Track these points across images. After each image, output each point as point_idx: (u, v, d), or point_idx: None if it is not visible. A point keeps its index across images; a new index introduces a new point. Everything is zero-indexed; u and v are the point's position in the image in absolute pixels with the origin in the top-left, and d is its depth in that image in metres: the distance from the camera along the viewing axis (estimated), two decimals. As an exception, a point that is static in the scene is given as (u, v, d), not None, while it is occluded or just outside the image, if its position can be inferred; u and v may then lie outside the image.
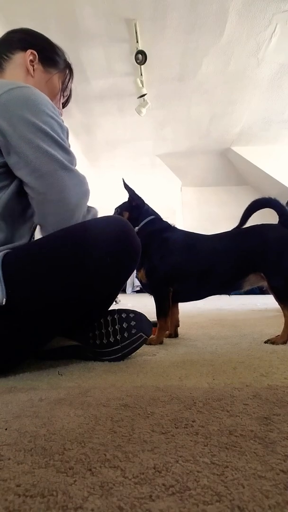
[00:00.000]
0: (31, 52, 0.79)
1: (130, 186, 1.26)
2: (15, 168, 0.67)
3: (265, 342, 0.97)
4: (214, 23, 2.64)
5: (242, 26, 2.67)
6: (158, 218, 1.25)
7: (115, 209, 1.29)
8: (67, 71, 0.87)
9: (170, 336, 1.14)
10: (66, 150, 0.69)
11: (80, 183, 0.70)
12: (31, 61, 0.79)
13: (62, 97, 0.89)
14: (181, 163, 5.52)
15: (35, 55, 0.80)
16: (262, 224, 1.10)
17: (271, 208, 1.09)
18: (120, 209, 1.28)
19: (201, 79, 3.38)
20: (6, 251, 0.66)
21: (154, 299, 1.10)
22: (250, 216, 1.12)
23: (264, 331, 1.21)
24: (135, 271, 1.06)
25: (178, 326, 1.17)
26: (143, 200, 1.27)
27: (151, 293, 1.14)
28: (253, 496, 0.26)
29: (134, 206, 1.26)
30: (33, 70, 0.80)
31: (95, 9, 2.48)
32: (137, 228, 1.19)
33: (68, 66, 0.88)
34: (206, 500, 0.26)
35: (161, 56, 3.02)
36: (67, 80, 0.88)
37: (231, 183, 5.99)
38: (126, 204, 1.29)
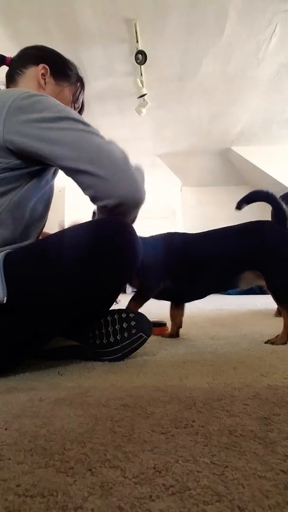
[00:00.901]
0: (43, 66, 0.82)
1: None
2: (66, 166, 0.67)
3: (265, 342, 0.97)
4: (214, 23, 2.64)
5: (242, 26, 2.67)
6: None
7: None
8: (78, 84, 0.90)
9: (171, 336, 1.14)
10: (86, 123, 0.70)
11: (113, 143, 0.72)
12: (43, 74, 0.83)
13: (73, 108, 0.91)
14: (181, 163, 5.52)
15: (47, 69, 0.83)
16: (258, 221, 1.09)
17: (268, 202, 1.07)
18: None
19: (201, 79, 3.38)
20: (8, 250, 0.66)
21: (137, 290, 1.07)
22: (246, 204, 1.09)
23: (264, 331, 1.21)
24: None
25: (181, 327, 1.17)
26: None
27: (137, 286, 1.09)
28: (253, 496, 0.26)
29: None
30: (45, 83, 0.83)
31: (95, 9, 2.48)
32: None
33: (80, 80, 0.91)
34: (206, 500, 0.26)
35: (161, 56, 3.02)
36: (78, 92, 0.90)
37: (231, 183, 5.99)
38: None
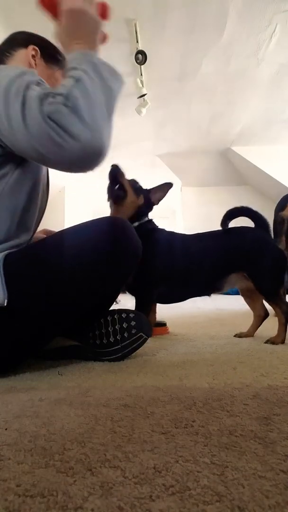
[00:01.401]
0: (33, 48, 0.80)
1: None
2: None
3: (265, 342, 0.97)
4: (214, 23, 2.64)
5: (242, 26, 2.67)
6: (151, 220, 1.21)
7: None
8: None
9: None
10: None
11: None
12: (33, 56, 0.80)
13: None
14: (181, 163, 5.51)
15: (37, 50, 0.80)
16: (241, 226, 1.14)
17: (245, 216, 1.14)
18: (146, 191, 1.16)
19: (201, 79, 3.38)
20: (7, 251, 0.66)
21: (136, 299, 1.07)
22: (229, 221, 1.14)
23: (264, 331, 1.21)
24: None
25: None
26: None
27: (134, 294, 1.09)
28: (253, 496, 0.26)
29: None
30: (35, 64, 0.80)
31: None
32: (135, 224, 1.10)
33: None
34: (206, 500, 0.26)
35: (161, 56, 3.02)
36: None
37: (231, 183, 5.99)
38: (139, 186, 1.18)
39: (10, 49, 0.80)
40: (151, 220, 1.20)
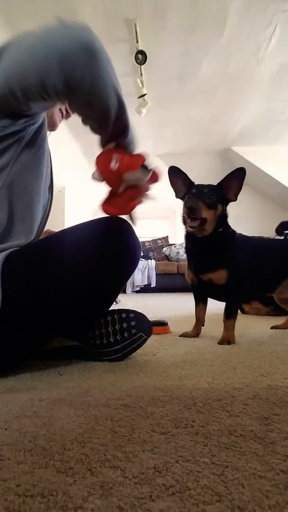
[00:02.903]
0: None
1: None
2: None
3: (271, 328, 1.13)
4: (214, 23, 2.64)
5: (242, 26, 2.67)
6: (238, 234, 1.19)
7: (208, 192, 1.04)
8: None
9: (197, 335, 1.16)
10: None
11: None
12: None
13: (61, 114, 0.89)
14: (181, 163, 5.49)
15: None
16: None
17: None
18: (217, 196, 1.04)
19: (201, 79, 3.38)
20: (7, 251, 0.66)
21: (230, 300, 1.09)
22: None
23: (264, 331, 1.21)
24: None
25: (203, 325, 1.21)
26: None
27: (222, 296, 1.13)
28: (253, 496, 0.26)
29: (227, 199, 1.09)
30: None
31: (95, 9, 2.48)
32: (221, 228, 1.07)
33: None
34: (206, 500, 0.26)
35: (161, 56, 3.02)
36: None
37: (231, 183, 5.99)
38: (219, 191, 1.07)
39: None
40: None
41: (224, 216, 1.08)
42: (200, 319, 1.16)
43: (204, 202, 1.01)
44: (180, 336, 1.14)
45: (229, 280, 1.04)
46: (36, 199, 0.76)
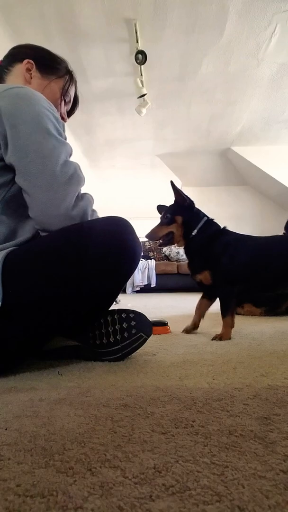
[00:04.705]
0: (27, 61, 0.84)
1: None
2: (11, 158, 0.68)
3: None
4: (214, 23, 2.64)
5: (242, 26, 2.67)
6: (211, 219, 1.25)
7: (164, 213, 1.25)
8: (67, 77, 0.90)
9: (194, 327, 1.22)
10: (60, 137, 0.71)
11: (67, 153, 0.71)
12: (28, 69, 0.84)
13: (63, 102, 0.91)
14: (181, 163, 5.51)
15: (32, 63, 0.84)
16: None
17: None
18: (171, 213, 1.23)
19: (201, 79, 3.38)
20: (8, 250, 0.66)
21: (220, 299, 1.15)
22: None
23: (264, 331, 1.21)
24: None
25: (203, 318, 1.25)
26: (192, 200, 1.27)
27: (214, 294, 1.21)
28: (253, 496, 0.26)
29: (186, 207, 1.23)
30: (31, 77, 0.84)
31: (95, 9, 2.48)
32: (195, 231, 1.19)
33: (69, 73, 0.90)
34: (206, 500, 0.26)
35: (161, 56, 3.02)
36: (67, 85, 0.90)
37: (231, 183, 5.99)
38: (175, 206, 1.26)
39: (8, 65, 0.85)
40: (210, 220, 1.24)
41: (188, 222, 1.21)
42: (196, 312, 1.23)
43: (162, 224, 1.25)
44: (182, 332, 1.20)
45: (214, 279, 1.13)
46: None
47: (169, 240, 1.23)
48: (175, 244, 1.25)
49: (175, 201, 1.25)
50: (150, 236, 1.24)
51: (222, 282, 1.13)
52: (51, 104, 0.74)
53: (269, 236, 1.26)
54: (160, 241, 1.24)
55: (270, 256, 1.16)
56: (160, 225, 1.24)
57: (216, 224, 1.24)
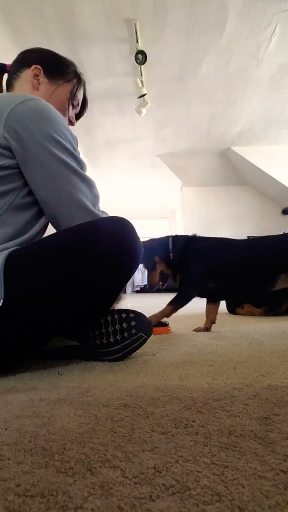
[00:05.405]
0: (35, 67, 0.84)
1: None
2: (30, 174, 0.71)
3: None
4: (214, 23, 2.64)
5: (242, 26, 2.67)
6: (175, 236, 1.40)
7: (143, 263, 1.40)
8: (75, 81, 0.90)
9: (206, 329, 1.29)
10: (77, 159, 0.75)
11: (90, 187, 0.76)
12: (36, 75, 0.84)
13: (71, 106, 0.91)
14: (181, 163, 5.52)
15: (40, 69, 0.84)
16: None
17: None
18: (148, 258, 1.37)
19: (201, 79, 3.38)
20: (10, 249, 0.66)
21: (179, 295, 1.28)
22: None
23: (264, 331, 1.21)
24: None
25: (214, 322, 1.32)
26: (162, 238, 1.40)
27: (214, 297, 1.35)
28: (253, 496, 0.26)
29: (155, 246, 1.37)
30: (38, 83, 0.84)
31: (95, 9, 2.48)
32: (171, 255, 1.34)
33: (77, 76, 0.90)
34: (206, 500, 0.26)
35: (161, 56, 3.02)
36: (75, 89, 0.90)
37: (231, 183, 5.99)
38: (147, 252, 1.34)
39: (16, 71, 0.85)
40: (175, 237, 1.39)
41: (163, 254, 1.36)
42: (207, 316, 1.33)
43: (150, 271, 1.41)
44: (193, 330, 1.30)
45: (180, 280, 1.33)
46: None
47: (166, 277, 1.41)
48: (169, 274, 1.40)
49: (144, 247, 1.42)
50: (151, 285, 1.41)
51: (187, 284, 1.30)
52: (64, 118, 0.76)
53: (246, 239, 1.36)
54: (161, 283, 1.41)
55: (243, 260, 1.27)
56: (149, 273, 1.42)
57: (180, 237, 1.39)
